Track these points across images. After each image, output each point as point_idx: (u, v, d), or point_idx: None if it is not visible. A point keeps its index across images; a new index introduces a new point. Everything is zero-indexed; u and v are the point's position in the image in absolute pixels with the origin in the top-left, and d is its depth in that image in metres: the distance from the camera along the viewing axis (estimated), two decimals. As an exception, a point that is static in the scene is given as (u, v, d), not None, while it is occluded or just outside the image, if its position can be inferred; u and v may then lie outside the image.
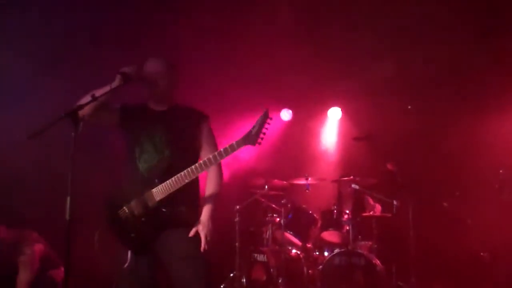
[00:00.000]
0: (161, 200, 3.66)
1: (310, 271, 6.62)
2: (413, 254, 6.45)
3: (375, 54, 7.32)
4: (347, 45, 7.28)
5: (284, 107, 8.62)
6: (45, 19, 6.30)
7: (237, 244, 6.81)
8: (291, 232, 6.89)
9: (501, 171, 6.71)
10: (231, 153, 3.57)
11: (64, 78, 6.38)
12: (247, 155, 7.75)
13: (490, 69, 7.08)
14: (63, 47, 6.54)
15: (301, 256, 6.71)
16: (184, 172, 3.63)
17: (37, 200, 6.24)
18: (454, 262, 6.83)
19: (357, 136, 7.57)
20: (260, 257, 6.61)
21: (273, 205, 7.09)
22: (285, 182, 7.23)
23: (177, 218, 3.74)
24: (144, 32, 6.80)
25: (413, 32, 6.88)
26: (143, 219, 3.69)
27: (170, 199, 3.67)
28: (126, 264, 3.71)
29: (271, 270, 6.51)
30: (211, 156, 3.61)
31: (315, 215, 6.95)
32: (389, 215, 6.72)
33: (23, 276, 5.40)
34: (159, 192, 3.66)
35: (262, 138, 3.56)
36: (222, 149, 3.59)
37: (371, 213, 6.86)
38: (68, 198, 3.16)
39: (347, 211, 6.77)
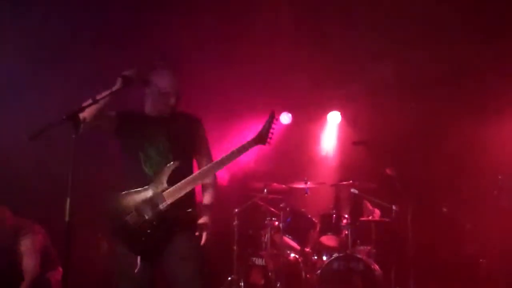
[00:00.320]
0: (172, 203, 3.68)
1: (308, 276, 6.60)
2: (411, 259, 6.44)
3: (374, 58, 7.32)
4: (347, 49, 7.28)
5: (283, 110, 8.61)
6: (45, 19, 6.29)
7: (235, 247, 6.79)
8: (290, 236, 6.87)
9: (499, 177, 6.73)
10: (243, 153, 3.72)
11: (64, 77, 6.38)
12: (246, 158, 7.75)
13: (490, 73, 7.09)
14: (63, 47, 6.53)
15: (299, 260, 6.69)
16: (197, 174, 3.74)
17: (36, 201, 6.23)
18: (453, 268, 6.83)
19: (356, 140, 7.56)
20: (259, 261, 6.59)
21: (272, 209, 7.07)
22: (284, 185, 7.22)
23: (186, 220, 3.79)
24: (145, 33, 6.79)
25: (413, 35, 6.88)
26: (154, 222, 3.68)
27: (180, 201, 3.69)
28: (136, 269, 3.68)
29: (269, 274, 6.49)
30: (224, 156, 3.70)
31: (314, 219, 6.93)
32: (388, 220, 6.72)
33: (27, 263, 5.27)
34: (170, 194, 3.68)
35: (271, 138, 3.79)
36: (235, 149, 3.70)
37: (369, 217, 6.85)
38: (68, 200, 3.15)
39: (346, 216, 6.77)
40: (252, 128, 8.60)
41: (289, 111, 8.59)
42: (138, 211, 3.68)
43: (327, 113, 8.55)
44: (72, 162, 3.13)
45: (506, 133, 7.11)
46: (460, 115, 7.28)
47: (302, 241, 6.90)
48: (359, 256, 6.32)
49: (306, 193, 7.12)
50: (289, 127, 8.59)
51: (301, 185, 7.11)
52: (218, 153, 3.94)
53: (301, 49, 7.36)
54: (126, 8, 6.63)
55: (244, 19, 6.94)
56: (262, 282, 6.53)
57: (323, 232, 6.83)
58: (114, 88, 3.60)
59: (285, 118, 8.62)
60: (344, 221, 6.70)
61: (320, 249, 6.90)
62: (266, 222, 6.99)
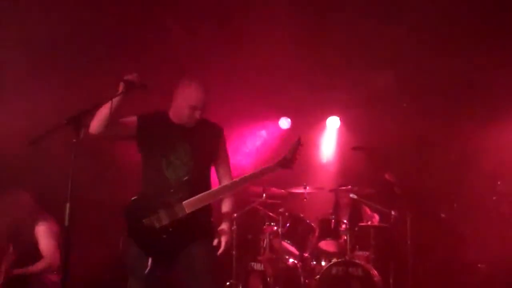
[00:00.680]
0: (190, 213, 3.75)
1: (307, 281, 6.58)
2: (410, 264, 6.43)
3: (374, 63, 7.33)
4: (346, 54, 7.29)
5: (282, 115, 8.63)
6: (44, 18, 6.27)
7: (234, 252, 6.76)
8: (289, 241, 6.85)
9: (499, 182, 6.73)
10: (266, 175, 3.94)
11: (63, 79, 6.38)
12: (244, 162, 7.75)
13: (489, 81, 7.10)
14: (60, 48, 6.51)
15: (298, 265, 6.68)
16: (220, 188, 3.87)
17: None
18: (452, 273, 6.83)
19: (356, 145, 7.57)
20: (257, 266, 6.58)
21: (271, 214, 7.06)
22: (283, 190, 7.21)
23: (202, 229, 3.86)
24: (145, 41, 6.80)
25: (412, 41, 6.90)
26: (170, 229, 3.74)
27: (198, 212, 3.77)
28: (147, 270, 3.74)
29: (268, 279, 6.47)
30: (248, 175, 3.86)
31: (312, 224, 6.92)
32: (387, 225, 6.72)
33: (44, 245, 5.22)
34: (190, 205, 3.75)
35: (295, 163, 4.01)
36: (258, 170, 3.89)
37: (368, 223, 6.85)
38: (68, 205, 3.15)
39: (345, 221, 6.76)
40: (252, 133, 8.67)
41: (288, 116, 8.61)
42: (156, 216, 3.75)
43: (326, 118, 8.56)
44: (72, 167, 3.13)
45: (505, 139, 7.12)
46: (459, 122, 7.29)
47: (301, 246, 6.88)
48: (358, 261, 6.31)
49: (305, 198, 7.11)
50: (288, 132, 8.59)
51: (300, 190, 7.11)
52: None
53: (301, 55, 7.37)
54: (125, 12, 6.62)
55: (244, 26, 6.95)
56: (261, 287, 6.51)
57: (322, 237, 6.83)
58: (117, 93, 3.62)
59: (284, 123, 8.63)
60: (343, 226, 6.69)
61: (319, 254, 6.88)
62: (265, 227, 6.98)
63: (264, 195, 6.99)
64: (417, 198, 6.89)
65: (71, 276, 3.17)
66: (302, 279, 6.55)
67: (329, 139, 8.64)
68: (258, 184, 7.20)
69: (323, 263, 6.69)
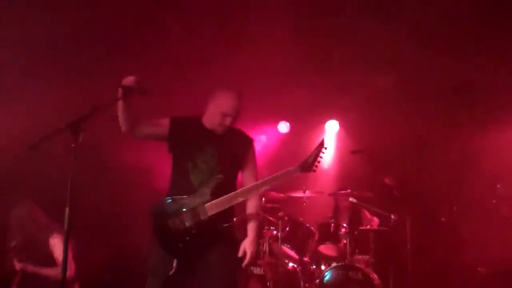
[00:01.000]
0: (213, 215, 3.79)
1: (307, 285, 6.58)
2: (410, 268, 6.43)
3: (372, 67, 7.33)
4: (345, 58, 7.29)
5: (281, 119, 8.63)
6: (43, 18, 6.26)
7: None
8: (288, 245, 6.85)
9: (498, 186, 6.73)
10: (286, 178, 3.89)
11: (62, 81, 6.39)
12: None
13: (488, 84, 7.11)
14: (60, 48, 6.51)
15: (298, 269, 6.67)
16: (241, 191, 3.87)
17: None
18: (452, 277, 6.82)
19: (355, 149, 7.57)
20: (257, 270, 6.56)
21: (270, 218, 7.04)
22: (282, 194, 7.20)
23: (224, 234, 3.90)
24: (145, 41, 6.80)
25: (411, 43, 6.90)
26: (193, 231, 3.80)
27: (221, 214, 3.81)
28: (172, 272, 3.80)
29: (268, 283, 6.45)
30: (267, 178, 3.86)
31: (312, 228, 6.91)
32: (386, 229, 6.71)
33: (59, 253, 5.14)
34: (212, 207, 3.79)
35: (317, 166, 3.91)
36: (279, 172, 3.85)
37: (368, 226, 6.84)
38: (67, 209, 3.16)
39: (344, 225, 6.76)
40: (252, 137, 8.65)
41: (287, 120, 8.61)
42: (180, 218, 3.81)
43: (325, 122, 8.56)
44: (71, 172, 3.14)
45: (505, 142, 7.12)
46: (458, 124, 7.30)
47: (300, 250, 6.87)
48: (357, 265, 6.30)
49: (305, 202, 7.11)
50: (287, 136, 8.60)
51: (299, 194, 7.10)
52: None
53: (300, 58, 7.37)
54: (125, 12, 6.62)
55: (244, 29, 6.96)
56: (261, 291, 6.51)
57: (321, 241, 6.82)
58: (116, 98, 3.65)
59: (283, 127, 8.64)
60: (343, 230, 6.69)
61: (319, 258, 6.87)
62: (264, 231, 6.96)
63: (263, 199, 6.98)
64: (416, 201, 6.89)
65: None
66: (301, 283, 6.54)
67: (328, 143, 8.59)
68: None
69: (322, 267, 6.67)
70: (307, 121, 8.50)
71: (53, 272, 5.15)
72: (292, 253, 6.88)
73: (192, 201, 3.82)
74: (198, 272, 3.86)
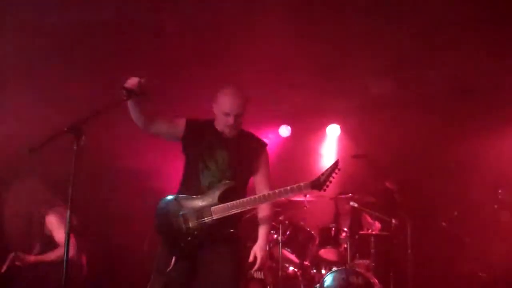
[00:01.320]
0: (218, 219, 3.78)
1: (307, 289, 6.58)
2: (411, 273, 6.42)
3: (374, 71, 7.33)
4: (347, 62, 7.29)
5: (282, 123, 8.63)
6: (43, 19, 6.26)
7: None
8: (289, 249, 6.84)
9: (500, 191, 6.72)
10: (296, 194, 3.91)
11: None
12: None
13: (490, 89, 7.11)
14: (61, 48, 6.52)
15: (298, 273, 6.66)
16: (249, 199, 3.82)
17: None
18: (452, 282, 6.81)
19: (356, 153, 7.56)
20: (257, 274, 6.55)
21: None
22: (283, 198, 7.18)
23: (227, 238, 3.88)
24: (144, 43, 6.81)
25: (412, 48, 6.90)
26: (196, 232, 3.80)
27: (226, 219, 3.80)
28: (169, 268, 3.81)
29: (268, 287, 6.46)
30: (276, 191, 3.81)
31: (313, 233, 6.91)
32: (387, 233, 6.70)
33: (57, 232, 5.24)
34: (218, 210, 3.78)
35: (328, 186, 3.86)
36: (289, 187, 3.78)
37: (369, 231, 6.83)
38: (68, 212, 3.16)
39: (345, 229, 6.75)
40: (266, 141, 8.63)
41: (289, 124, 8.61)
42: (184, 217, 3.82)
43: (326, 126, 8.56)
44: (73, 174, 3.14)
45: (506, 148, 7.12)
46: (460, 130, 7.29)
47: (301, 254, 6.86)
48: (358, 269, 6.28)
49: (305, 206, 7.10)
50: (288, 140, 8.59)
51: (300, 198, 7.09)
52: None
53: (301, 62, 7.36)
54: (125, 15, 6.63)
55: (245, 32, 6.95)
56: (261, 295, 6.50)
57: (322, 245, 6.82)
58: (118, 100, 3.67)
59: (284, 131, 8.64)
60: (343, 234, 6.68)
61: (319, 262, 6.87)
62: (265, 235, 6.95)
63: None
64: (417, 206, 6.88)
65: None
66: (302, 287, 6.54)
67: (329, 147, 8.63)
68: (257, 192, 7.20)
69: (323, 271, 6.67)
70: (308, 125, 8.50)
71: (53, 256, 5.17)
72: (292, 257, 6.87)
73: (199, 202, 3.83)
74: (199, 274, 3.85)
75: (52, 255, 5.18)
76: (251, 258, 3.96)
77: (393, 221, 6.63)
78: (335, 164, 3.91)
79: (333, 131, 8.56)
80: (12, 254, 5.05)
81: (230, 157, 3.97)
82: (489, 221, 6.74)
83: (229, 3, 6.66)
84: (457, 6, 6.23)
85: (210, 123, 4.09)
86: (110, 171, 7.01)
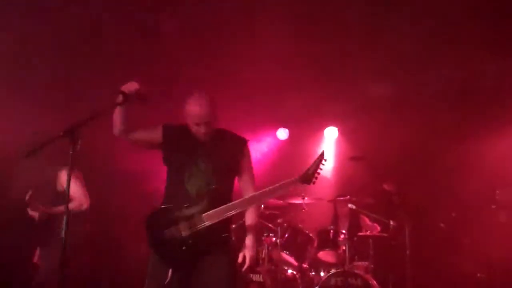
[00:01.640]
0: (210, 226, 3.74)
1: (306, 292, 6.58)
2: (409, 274, 6.41)
3: (372, 74, 7.35)
4: (344, 65, 7.31)
5: (280, 126, 8.64)
6: (39, 25, 6.26)
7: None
8: (287, 252, 6.84)
9: (497, 191, 6.73)
10: (285, 190, 3.84)
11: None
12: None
13: (487, 90, 7.12)
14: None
15: (297, 276, 6.66)
16: (239, 201, 3.80)
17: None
18: (451, 283, 6.82)
19: (354, 156, 7.57)
20: (256, 277, 6.54)
21: (269, 225, 7.04)
22: (281, 201, 7.19)
23: (221, 244, 3.85)
24: (143, 47, 6.82)
25: (410, 50, 6.91)
26: (190, 241, 3.76)
27: (218, 224, 3.76)
28: (167, 281, 3.76)
29: (267, 290, 6.46)
30: (267, 189, 3.79)
31: (311, 235, 6.91)
32: (386, 235, 6.70)
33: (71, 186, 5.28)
34: (210, 217, 3.75)
35: (316, 178, 3.84)
36: (277, 184, 3.77)
37: (367, 232, 6.83)
38: (65, 217, 3.16)
39: (344, 231, 6.74)
40: (251, 144, 8.66)
41: (286, 126, 8.62)
42: (176, 227, 3.77)
43: (324, 128, 8.57)
44: (69, 178, 3.14)
45: (504, 149, 7.12)
46: (458, 132, 7.30)
47: (299, 257, 6.87)
48: (357, 271, 6.29)
49: (304, 208, 7.10)
50: (286, 142, 8.60)
51: (298, 201, 7.10)
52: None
53: (298, 65, 7.38)
54: (123, 19, 6.64)
55: (242, 36, 6.97)
56: (260, 298, 6.49)
57: (320, 247, 6.81)
58: (114, 104, 3.66)
59: (282, 133, 8.64)
60: (342, 236, 6.67)
61: (318, 265, 6.86)
62: (263, 238, 6.95)
63: (262, 206, 6.98)
64: (415, 207, 6.89)
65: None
66: (301, 290, 6.53)
67: (327, 149, 8.63)
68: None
69: (322, 274, 6.65)
70: (306, 127, 8.51)
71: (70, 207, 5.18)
72: (291, 259, 6.87)
73: (190, 211, 3.78)
74: (195, 282, 3.82)
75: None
76: (240, 259, 3.91)
77: (392, 222, 6.62)
78: (321, 156, 3.88)
79: (331, 134, 8.57)
80: (29, 193, 5.01)
81: (212, 162, 3.91)
82: (487, 222, 6.75)
83: (228, 7, 6.68)
84: (456, 7, 6.24)
85: (186, 127, 4.00)
86: (109, 173, 7.01)
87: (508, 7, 6.35)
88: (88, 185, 5.42)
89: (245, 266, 3.91)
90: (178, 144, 3.95)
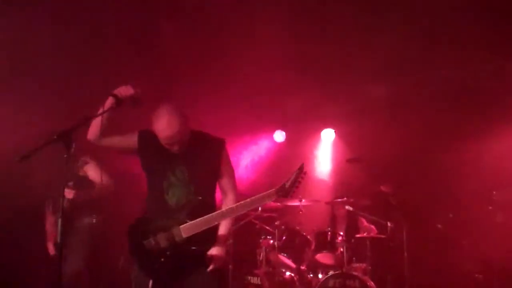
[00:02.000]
0: (188, 237, 3.69)
1: (304, 294, 6.57)
2: (407, 275, 6.41)
3: (368, 76, 7.35)
4: (341, 67, 7.31)
5: (277, 128, 8.64)
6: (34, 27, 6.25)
7: (230, 266, 6.74)
8: (285, 254, 6.83)
9: (494, 192, 6.73)
10: (262, 203, 3.74)
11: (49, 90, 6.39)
12: (239, 176, 7.74)
13: (484, 92, 7.13)
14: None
15: (295, 278, 6.65)
16: (216, 214, 3.70)
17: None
18: (449, 284, 6.81)
19: (351, 157, 7.57)
20: (254, 280, 6.55)
21: (267, 227, 7.04)
22: (278, 203, 7.19)
23: (201, 256, 3.77)
24: (138, 50, 6.82)
25: (407, 52, 6.92)
26: (168, 252, 3.73)
27: (197, 237, 3.70)
28: None
29: (265, 293, 6.45)
30: (242, 202, 3.67)
31: (309, 237, 6.90)
32: (383, 236, 6.70)
33: (92, 173, 5.47)
34: (187, 229, 3.70)
35: (294, 192, 3.68)
36: (255, 197, 3.66)
37: (365, 234, 6.83)
38: (60, 221, 3.16)
39: (341, 233, 6.74)
40: (247, 146, 8.68)
41: (283, 129, 8.62)
42: (155, 239, 3.73)
43: (321, 130, 8.56)
44: (64, 182, 3.13)
45: (500, 149, 7.12)
46: (454, 133, 7.31)
47: (297, 259, 6.85)
48: (355, 273, 6.29)
49: (301, 211, 7.10)
50: (283, 144, 8.60)
51: (296, 203, 7.09)
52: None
53: (295, 68, 7.39)
54: (120, 22, 6.63)
55: (239, 39, 6.98)
56: (258, 301, 6.48)
57: (318, 249, 6.80)
58: (106, 107, 3.63)
59: (279, 136, 8.65)
60: (339, 238, 6.67)
61: (316, 267, 6.85)
62: (261, 240, 6.96)
63: (259, 208, 6.97)
64: (413, 209, 6.88)
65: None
66: (299, 292, 6.53)
67: (324, 151, 8.64)
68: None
69: (320, 276, 6.65)
70: (303, 129, 8.51)
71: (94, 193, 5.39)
72: (289, 262, 6.86)
73: (168, 222, 3.73)
74: None
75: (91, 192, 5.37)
76: (210, 268, 3.77)
77: (389, 224, 6.63)
78: (300, 169, 3.72)
79: (328, 136, 8.57)
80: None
81: (189, 170, 3.84)
82: (484, 223, 6.74)
83: (226, 8, 6.69)
84: (455, 7, 6.25)
85: None
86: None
87: (508, 7, 6.35)
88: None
89: (211, 267, 3.75)
90: (155, 152, 3.86)
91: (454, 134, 7.34)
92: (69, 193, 5.19)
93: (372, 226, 7.02)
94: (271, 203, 7.09)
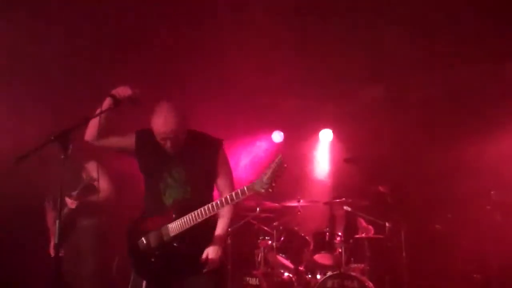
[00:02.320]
0: (175, 236, 3.66)
1: (302, 295, 6.56)
2: (406, 276, 6.41)
3: (366, 76, 7.35)
4: (339, 67, 7.31)
5: (275, 129, 8.63)
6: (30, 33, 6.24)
7: (228, 267, 6.74)
8: (283, 255, 6.83)
9: (492, 192, 6.73)
10: (240, 199, 3.51)
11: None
12: (237, 176, 7.72)
13: (482, 93, 7.13)
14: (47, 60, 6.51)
15: (293, 279, 6.65)
16: (198, 211, 3.61)
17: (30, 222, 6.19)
18: (447, 284, 6.81)
19: (349, 158, 7.57)
20: (252, 281, 6.54)
21: (265, 228, 7.04)
22: (277, 204, 7.18)
23: (195, 257, 3.71)
24: (137, 52, 6.81)
25: (404, 53, 6.92)
26: (157, 252, 3.72)
27: (185, 235, 3.66)
28: None
29: (263, 293, 6.45)
30: (222, 199, 3.58)
31: (307, 238, 6.89)
32: (382, 236, 6.70)
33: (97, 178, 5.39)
34: (174, 227, 3.67)
35: (273, 185, 3.42)
36: (229, 195, 3.55)
37: (363, 234, 6.82)
38: (57, 222, 3.15)
39: (340, 233, 6.73)
40: (245, 147, 8.67)
41: (281, 129, 8.61)
42: (147, 239, 3.73)
43: (319, 131, 8.56)
44: (61, 184, 3.13)
45: (498, 150, 7.12)
46: (453, 133, 7.31)
47: (295, 260, 6.85)
48: (353, 274, 6.28)
49: (299, 211, 7.09)
50: (281, 145, 8.59)
51: (294, 204, 7.09)
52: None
53: (294, 68, 7.38)
54: (118, 26, 6.63)
55: (238, 39, 6.97)
56: (256, 301, 6.48)
57: (316, 250, 6.79)
58: (104, 107, 3.62)
59: (277, 136, 8.64)
60: (338, 238, 6.67)
61: (314, 267, 6.84)
62: (259, 241, 6.95)
63: (258, 209, 6.97)
64: (411, 209, 6.88)
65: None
66: (297, 293, 6.52)
67: (322, 151, 8.63)
68: (251, 198, 7.19)
69: (318, 277, 6.65)
70: (301, 130, 8.50)
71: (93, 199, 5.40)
72: (287, 262, 6.85)
73: (160, 221, 3.72)
74: None
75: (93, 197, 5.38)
76: (203, 257, 3.70)
77: (387, 224, 6.62)
78: (278, 160, 3.43)
79: (326, 136, 8.56)
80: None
81: (186, 171, 3.80)
82: (483, 223, 6.73)
83: (225, 9, 6.68)
84: (455, 7, 6.25)
85: None
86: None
87: (508, 7, 6.35)
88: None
89: (206, 269, 3.70)
90: (152, 152, 3.84)
91: (452, 135, 7.34)
92: (72, 204, 5.25)
93: (371, 227, 7.02)
94: (269, 204, 7.11)
